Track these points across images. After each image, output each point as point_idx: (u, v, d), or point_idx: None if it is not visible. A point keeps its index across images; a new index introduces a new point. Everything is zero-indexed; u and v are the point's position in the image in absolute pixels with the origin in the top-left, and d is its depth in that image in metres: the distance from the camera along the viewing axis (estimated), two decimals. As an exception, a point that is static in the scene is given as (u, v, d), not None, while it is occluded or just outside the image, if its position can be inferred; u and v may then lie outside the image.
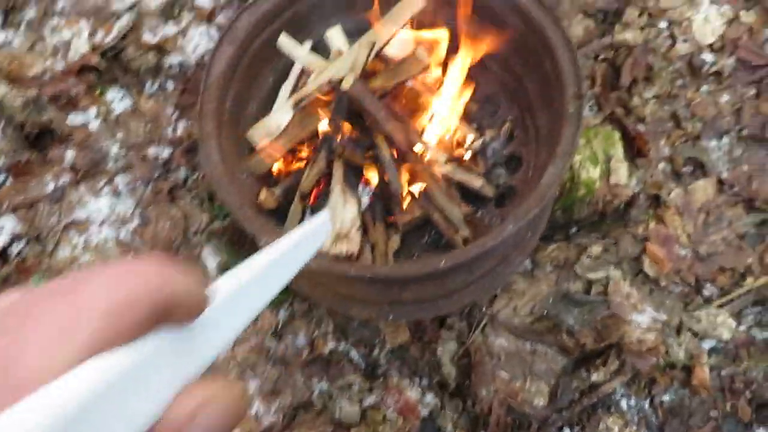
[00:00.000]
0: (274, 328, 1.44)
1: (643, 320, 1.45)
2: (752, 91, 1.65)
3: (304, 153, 1.27)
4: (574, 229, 1.53)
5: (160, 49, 1.60)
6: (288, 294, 1.45)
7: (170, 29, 1.62)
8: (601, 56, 1.65)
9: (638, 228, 1.53)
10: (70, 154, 1.54)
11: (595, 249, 1.52)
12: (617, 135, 1.45)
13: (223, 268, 1.45)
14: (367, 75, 1.16)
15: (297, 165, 1.28)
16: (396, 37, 1.20)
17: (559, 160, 1.09)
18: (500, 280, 1.33)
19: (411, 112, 1.23)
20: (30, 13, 1.62)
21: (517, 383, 1.44)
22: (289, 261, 0.45)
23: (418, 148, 1.20)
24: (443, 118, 1.25)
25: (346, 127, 1.18)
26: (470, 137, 1.36)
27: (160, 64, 1.60)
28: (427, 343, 1.42)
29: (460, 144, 1.34)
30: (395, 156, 1.18)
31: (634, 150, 1.55)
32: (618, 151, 1.43)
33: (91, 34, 1.60)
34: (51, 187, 1.51)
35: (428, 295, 1.26)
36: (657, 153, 1.59)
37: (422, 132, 1.22)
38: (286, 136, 1.24)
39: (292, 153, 1.29)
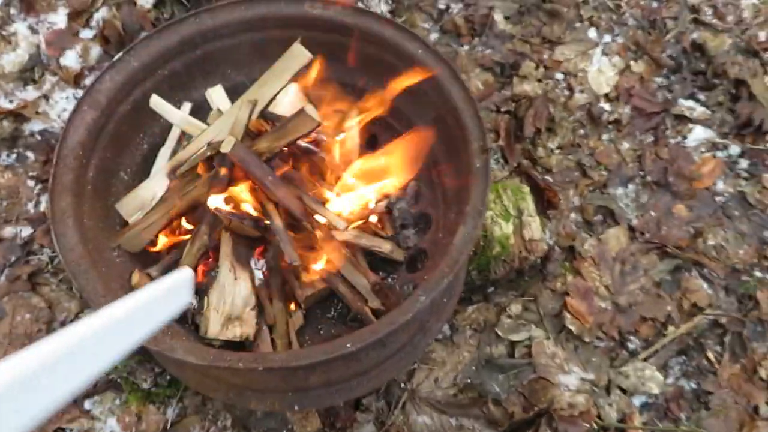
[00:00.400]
0: (161, 428, 1.23)
1: (571, 381, 1.36)
2: (650, 138, 1.66)
3: (186, 226, 1.11)
4: (491, 289, 1.44)
5: (18, 115, 1.40)
6: (175, 387, 1.25)
7: (30, 93, 1.43)
8: (503, 108, 1.62)
9: (556, 282, 1.46)
10: None
11: (515, 308, 1.43)
12: (527, 188, 1.39)
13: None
14: (251, 136, 1.03)
15: (179, 240, 1.11)
16: (282, 93, 1.08)
17: (470, 219, 0.99)
18: (418, 351, 1.20)
19: (305, 175, 1.11)
20: None
21: (445, 465, 1.30)
22: (137, 322, 0.41)
23: (316, 215, 1.07)
24: (343, 179, 1.14)
25: (233, 195, 1.03)
26: (374, 199, 1.25)
27: (18, 132, 1.40)
28: (341, 430, 1.25)
29: (363, 207, 1.23)
30: (290, 225, 1.05)
31: (545, 202, 1.50)
32: (529, 204, 1.37)
33: (-67, 101, 1.38)
34: None
35: (338, 377, 1.10)
36: (567, 203, 1.54)
37: (320, 196, 1.10)
38: (162, 208, 1.08)
39: (172, 226, 1.12)
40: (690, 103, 1.71)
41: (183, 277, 0.51)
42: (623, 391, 1.37)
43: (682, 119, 1.68)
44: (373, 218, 1.24)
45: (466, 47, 1.70)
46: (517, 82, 1.67)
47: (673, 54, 1.76)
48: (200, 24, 1.20)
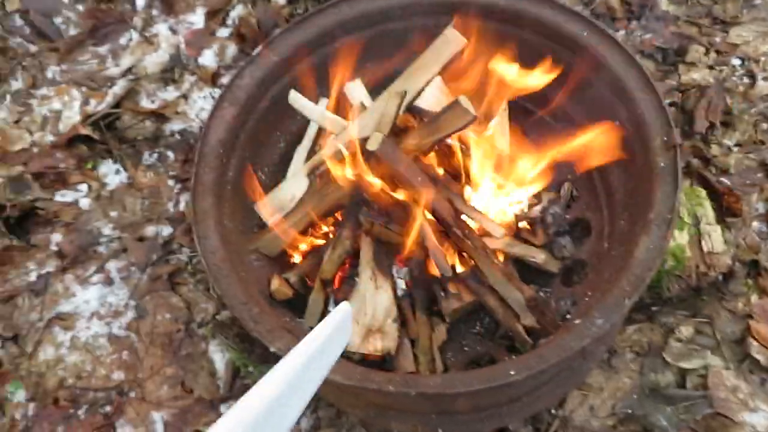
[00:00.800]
0: (294, 441, 1.17)
1: (759, 422, 1.14)
2: None
3: (326, 229, 1.04)
4: (656, 307, 1.25)
5: (160, 115, 1.41)
6: (312, 398, 1.18)
7: (171, 94, 1.44)
8: (667, 100, 1.42)
9: (737, 302, 1.24)
10: (56, 238, 1.33)
11: (686, 330, 1.23)
12: (703, 192, 1.19)
13: (233, 369, 1.20)
14: (397, 132, 0.93)
15: (317, 244, 1.04)
16: (431, 85, 0.98)
17: (656, 229, 0.83)
18: (578, 378, 1.06)
19: (454, 176, 1.00)
20: (16, 84, 1.45)
21: (602, 506, 1.13)
22: (310, 372, 0.41)
23: (465, 219, 0.96)
24: (494, 181, 1.01)
25: (377, 196, 0.94)
26: (525, 203, 1.12)
27: (159, 132, 1.41)
28: (486, 459, 1.13)
29: (519, 213, 1.10)
30: (438, 230, 0.94)
31: (723, 209, 1.28)
32: (707, 211, 1.17)
33: (84, 103, 1.43)
34: (33, 276, 1.30)
35: (489, 403, 0.98)
36: (749, 210, 1.31)
37: (469, 199, 0.98)
38: (302, 209, 1.01)
39: (312, 229, 1.05)
40: None
41: (344, 314, 0.50)
42: (828, 438, 1.13)
43: None
44: (524, 224, 1.11)
45: (622, 32, 1.51)
46: (684, 69, 1.46)
47: None
48: (339, 14, 1.13)
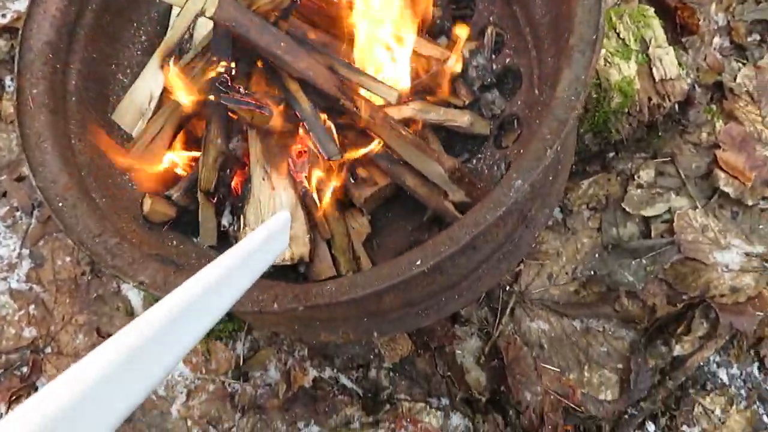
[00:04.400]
0: (233, 365, 1.07)
1: (732, 259, 1.04)
2: None
3: (197, 134, 0.87)
4: (612, 153, 1.11)
5: (14, 30, 1.19)
6: (240, 320, 1.07)
7: (23, 3, 1.20)
8: None
9: (700, 133, 1.10)
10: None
11: (646, 174, 1.09)
12: (650, 10, 1.00)
13: (149, 305, 1.07)
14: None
15: (191, 154, 0.87)
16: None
17: (578, 55, 0.66)
18: (522, 249, 0.93)
19: (334, 36, 0.81)
20: None
21: (572, 376, 1.05)
22: (240, 276, 0.42)
23: (359, 88, 0.78)
24: (390, 34, 0.82)
25: (243, 78, 0.76)
26: (438, 56, 0.93)
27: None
28: (438, 349, 1.03)
29: (425, 69, 0.92)
30: (325, 108, 0.77)
31: (678, 27, 1.10)
32: (657, 32, 0.99)
33: None
34: None
35: (421, 295, 0.86)
36: (708, 25, 1.13)
37: (359, 62, 0.80)
38: (166, 110, 0.83)
39: (186, 134, 0.88)
40: None
41: (281, 222, 0.50)
42: (807, 264, 1.03)
43: None
44: (442, 83, 0.93)
45: None
46: None
47: None
48: None
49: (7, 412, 1.07)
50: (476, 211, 0.64)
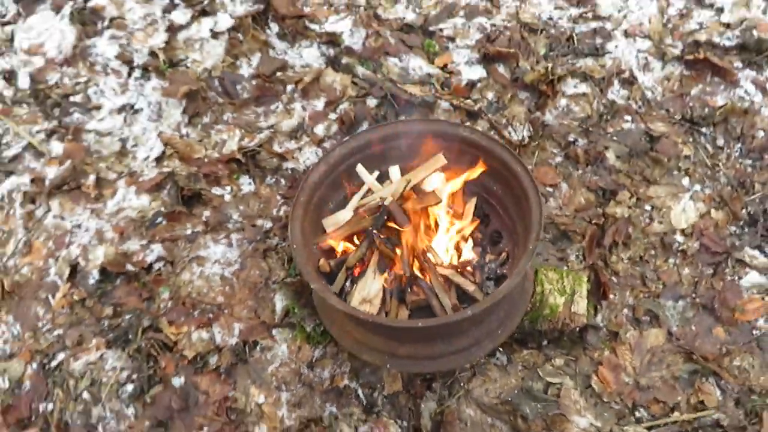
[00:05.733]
0: (309, 359, 2.00)
1: (582, 423, 1.87)
2: (710, 271, 2.11)
3: (356, 241, 1.90)
4: (545, 342, 2.01)
5: (282, 157, 2.34)
6: (324, 338, 2.02)
7: (292, 145, 2.37)
8: (594, 221, 2.20)
9: (595, 352, 1.98)
10: (206, 213, 2.25)
11: (559, 361, 1.98)
12: (585, 277, 1.96)
13: (285, 309, 2.06)
14: (403, 199, 1.79)
15: (349, 248, 1.90)
16: (428, 179, 1.84)
17: (516, 277, 1.63)
18: (473, 356, 1.83)
19: (429, 228, 1.84)
20: (206, 119, 2.43)
21: (477, 449, 1.88)
22: None
23: (430, 253, 1.79)
24: (452, 237, 1.84)
25: (385, 230, 1.80)
26: (472, 256, 1.93)
27: (279, 166, 2.33)
28: (414, 396, 1.91)
29: (466, 261, 1.91)
30: (412, 255, 1.78)
31: (601, 293, 2.04)
32: (583, 289, 1.94)
33: (240, 139, 2.38)
34: (189, 231, 2.22)
35: (419, 354, 1.78)
36: (623, 301, 2.06)
37: (433, 243, 1.81)
38: (346, 227, 1.88)
39: (348, 239, 1.91)
40: (755, 252, 2.12)
41: None
42: (620, 442, 1.84)
43: (742, 264, 2.10)
44: (469, 268, 1.92)
45: (579, 171, 2.32)
46: (612, 204, 2.24)
47: (752, 211, 2.19)
48: (379, 131, 2.01)
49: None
50: (451, 315, 1.59)
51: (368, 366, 1.96)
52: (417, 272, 1.80)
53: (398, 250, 1.80)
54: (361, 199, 1.97)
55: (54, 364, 2.02)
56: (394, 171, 1.98)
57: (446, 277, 1.84)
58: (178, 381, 1.99)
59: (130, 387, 1.98)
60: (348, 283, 1.87)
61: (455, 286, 1.87)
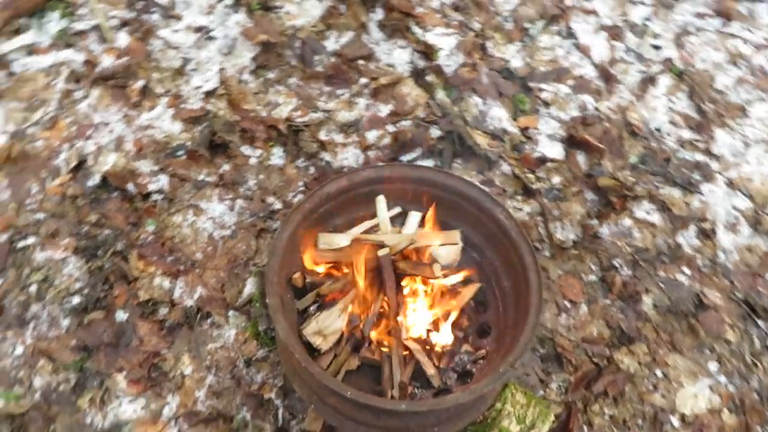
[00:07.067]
0: (250, 357, 1.90)
1: None
2: (690, 469, 1.87)
3: (340, 270, 1.77)
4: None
5: (323, 145, 2.22)
6: (275, 343, 1.91)
7: (338, 138, 2.24)
8: (595, 359, 1.99)
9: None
10: (225, 167, 2.17)
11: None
12: (553, 414, 1.77)
13: (250, 299, 1.96)
14: (402, 255, 1.64)
15: (331, 272, 1.77)
16: (447, 247, 1.68)
17: (469, 394, 1.46)
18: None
19: (413, 295, 1.69)
20: (270, 74, 2.33)
21: None
22: None
23: (401, 318, 1.64)
24: (432, 313, 1.69)
25: (368, 276, 1.66)
26: (449, 340, 1.77)
27: (316, 153, 2.21)
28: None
29: (439, 342, 1.75)
30: (383, 313, 1.63)
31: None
32: (545, 426, 1.75)
33: (294, 109, 2.27)
34: (201, 177, 2.14)
35: (345, 413, 1.64)
36: None
37: (409, 310, 1.66)
38: (337, 253, 1.75)
39: (334, 265, 1.78)
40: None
41: None
42: None
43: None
44: (438, 349, 1.76)
45: (607, 301, 2.09)
46: (624, 352, 2.01)
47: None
48: (429, 174, 1.85)
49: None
50: (425, 402, 1.44)
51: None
52: (381, 334, 1.66)
53: (372, 301, 1.66)
54: (365, 231, 1.83)
55: (21, 245, 2.00)
56: (413, 218, 1.83)
57: (410, 351, 1.69)
58: (121, 315, 1.93)
59: (75, 300, 1.94)
60: (313, 307, 1.75)
61: (415, 362, 1.72)
